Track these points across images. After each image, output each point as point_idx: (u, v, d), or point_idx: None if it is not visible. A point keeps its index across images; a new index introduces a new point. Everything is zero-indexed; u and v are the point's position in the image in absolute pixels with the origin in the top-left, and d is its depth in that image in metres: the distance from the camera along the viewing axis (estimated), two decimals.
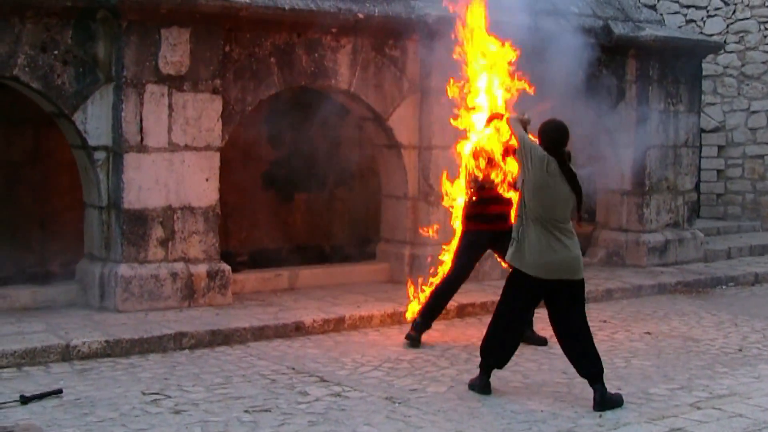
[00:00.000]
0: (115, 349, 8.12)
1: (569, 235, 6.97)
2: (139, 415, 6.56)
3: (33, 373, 7.55)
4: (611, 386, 7.23)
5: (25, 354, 7.77)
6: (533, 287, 7.05)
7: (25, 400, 6.76)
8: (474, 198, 8.59)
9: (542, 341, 8.73)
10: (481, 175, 8.46)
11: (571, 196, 6.98)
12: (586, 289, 7.31)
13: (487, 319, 9.81)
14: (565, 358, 8.03)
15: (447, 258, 8.97)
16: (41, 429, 6.23)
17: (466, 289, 10.14)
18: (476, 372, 7.46)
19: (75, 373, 7.58)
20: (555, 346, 8.03)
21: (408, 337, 8.74)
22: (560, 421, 6.60)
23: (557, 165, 6.92)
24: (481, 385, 7.24)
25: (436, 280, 9.00)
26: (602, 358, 7.14)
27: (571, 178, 6.94)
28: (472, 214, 8.66)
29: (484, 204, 8.59)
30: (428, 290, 9.03)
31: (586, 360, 7.03)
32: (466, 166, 8.65)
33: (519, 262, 7.03)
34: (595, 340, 7.18)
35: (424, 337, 8.81)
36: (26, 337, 8.11)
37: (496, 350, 7.26)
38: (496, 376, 7.59)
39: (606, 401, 6.87)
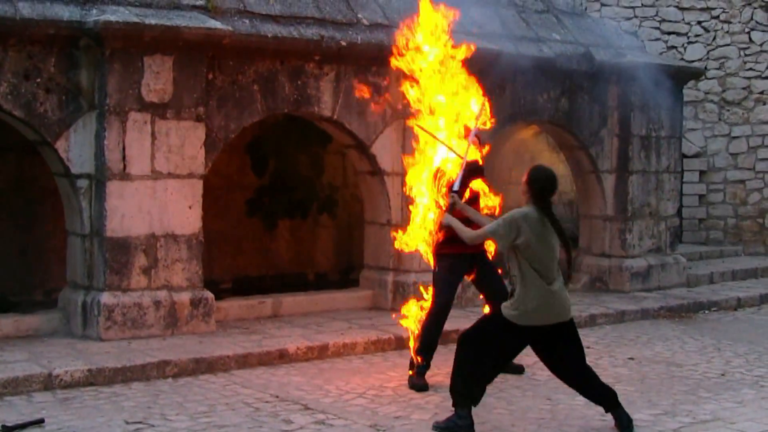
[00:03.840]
0: (98, 378, 8.08)
1: (558, 277, 6.80)
2: None
3: (15, 403, 7.50)
4: (595, 412, 7.24)
5: (7, 383, 7.72)
6: (523, 335, 6.81)
7: (6, 430, 6.72)
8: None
9: (520, 369, 8.56)
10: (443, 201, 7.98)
11: (557, 243, 6.81)
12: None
13: None
14: (549, 384, 8.05)
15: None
16: None
17: (449, 315, 10.13)
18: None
19: (57, 402, 7.53)
20: (537, 372, 8.04)
21: (414, 386, 8.11)
22: None
23: (540, 214, 6.77)
24: (467, 425, 6.82)
25: (422, 315, 8.44)
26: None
27: (558, 230, 6.79)
28: (445, 238, 8.14)
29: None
30: (416, 327, 8.42)
31: (596, 392, 6.96)
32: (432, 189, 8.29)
33: (516, 314, 6.75)
34: None
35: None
36: (8, 366, 8.06)
37: (478, 385, 6.93)
38: (480, 403, 7.58)
39: (630, 421, 6.85)
